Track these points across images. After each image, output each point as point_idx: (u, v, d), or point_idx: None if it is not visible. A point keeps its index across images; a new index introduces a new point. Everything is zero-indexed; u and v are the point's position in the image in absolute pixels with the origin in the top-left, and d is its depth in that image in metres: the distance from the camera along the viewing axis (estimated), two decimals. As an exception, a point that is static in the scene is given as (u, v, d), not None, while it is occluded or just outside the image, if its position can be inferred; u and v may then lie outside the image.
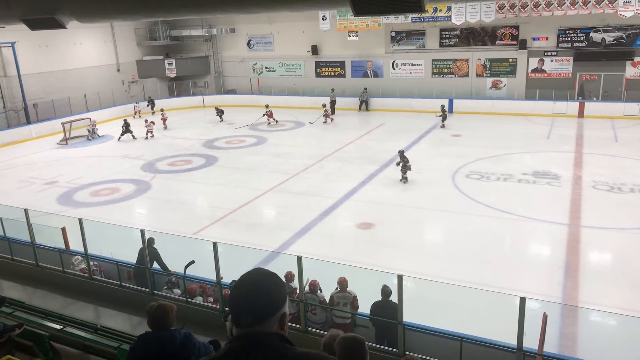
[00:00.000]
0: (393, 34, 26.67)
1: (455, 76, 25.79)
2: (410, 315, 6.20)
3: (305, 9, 6.10)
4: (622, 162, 15.52)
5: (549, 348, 6.60)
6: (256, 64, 30.70)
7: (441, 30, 25.54)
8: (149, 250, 8.44)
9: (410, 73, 26.75)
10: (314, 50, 28.66)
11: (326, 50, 28.58)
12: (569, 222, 11.34)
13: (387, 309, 6.30)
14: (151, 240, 8.83)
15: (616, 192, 12.95)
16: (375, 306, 6.53)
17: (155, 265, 8.69)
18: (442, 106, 21.97)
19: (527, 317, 5.64)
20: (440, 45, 25.85)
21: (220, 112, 25.45)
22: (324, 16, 26.06)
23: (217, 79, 31.89)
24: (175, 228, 11.32)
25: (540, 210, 12.01)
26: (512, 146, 17.99)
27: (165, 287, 8.11)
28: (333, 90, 26.73)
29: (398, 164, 14.35)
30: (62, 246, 9.26)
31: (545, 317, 6.28)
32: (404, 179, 14.24)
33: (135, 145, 20.68)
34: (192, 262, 6.99)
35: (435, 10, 23.94)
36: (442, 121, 21.47)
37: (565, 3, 21.21)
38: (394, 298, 6.32)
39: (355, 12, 5.86)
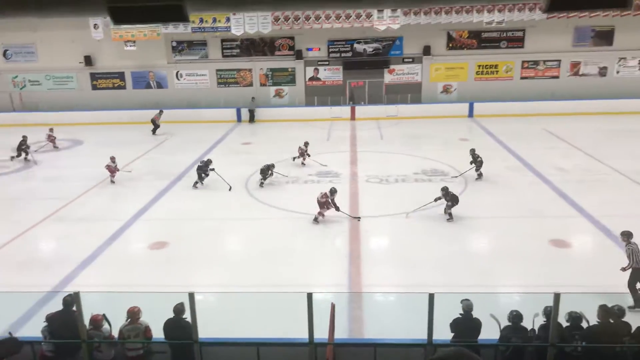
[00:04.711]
0: (174, 44, 26.06)
1: (240, 86, 26.40)
2: (208, 330, 6.08)
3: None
4: (387, 157, 17.84)
5: (340, 334, 7.18)
6: (17, 77, 26.78)
7: (222, 40, 25.86)
8: None
9: (196, 83, 26.49)
10: (88, 61, 26.27)
11: (102, 61, 26.45)
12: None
13: (180, 328, 6.07)
14: None
15: (384, 184, 14.81)
16: (167, 325, 6.24)
17: None
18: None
19: (319, 310, 6.01)
20: (223, 56, 26.18)
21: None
22: (95, 24, 24.06)
23: (-34, 95, 26.92)
24: None
25: (326, 207, 13.02)
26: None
27: None
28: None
29: (437, 200, 12.07)
30: None
31: (333, 307, 6.80)
32: (450, 217, 11.91)
33: None
34: None
35: (215, 20, 24.12)
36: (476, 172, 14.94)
37: (331, 17, 23.42)
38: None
39: (113, 20, 5.51)
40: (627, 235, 8.44)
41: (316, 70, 26.05)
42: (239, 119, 25.53)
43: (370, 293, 9.05)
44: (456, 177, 14.75)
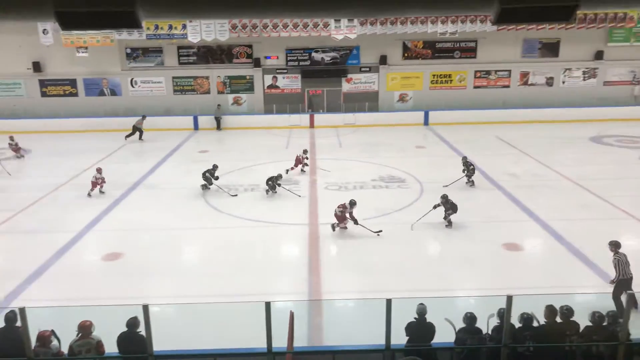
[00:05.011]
0: (128, 50, 25.49)
1: (197, 93, 26.06)
2: (163, 343, 5.93)
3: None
4: (346, 164, 17.99)
5: (300, 342, 7.13)
6: (-41, 83, 25.55)
7: (179, 47, 25.50)
8: None
9: (151, 91, 25.96)
10: (36, 67, 25.32)
11: (52, 67, 25.55)
12: (309, 222, 12.55)
13: (134, 342, 5.90)
14: None
15: (344, 191, 14.89)
16: (121, 339, 6.04)
17: None
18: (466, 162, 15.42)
19: (278, 319, 5.96)
20: (180, 63, 25.80)
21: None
22: (44, 29, 23.25)
23: None
24: None
25: (286, 215, 12.99)
26: (258, 158, 19.04)
27: None
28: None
29: (436, 207, 12.03)
30: None
31: (291, 315, 6.76)
32: (449, 223, 12.00)
33: None
34: None
35: (171, 27, 23.75)
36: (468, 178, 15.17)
37: (289, 25, 23.48)
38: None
39: (61, 26, 5.32)
40: (614, 246, 8.18)
41: (275, 78, 26.04)
42: (196, 127, 25.19)
43: (330, 300, 9.05)
44: (447, 185, 14.74)
